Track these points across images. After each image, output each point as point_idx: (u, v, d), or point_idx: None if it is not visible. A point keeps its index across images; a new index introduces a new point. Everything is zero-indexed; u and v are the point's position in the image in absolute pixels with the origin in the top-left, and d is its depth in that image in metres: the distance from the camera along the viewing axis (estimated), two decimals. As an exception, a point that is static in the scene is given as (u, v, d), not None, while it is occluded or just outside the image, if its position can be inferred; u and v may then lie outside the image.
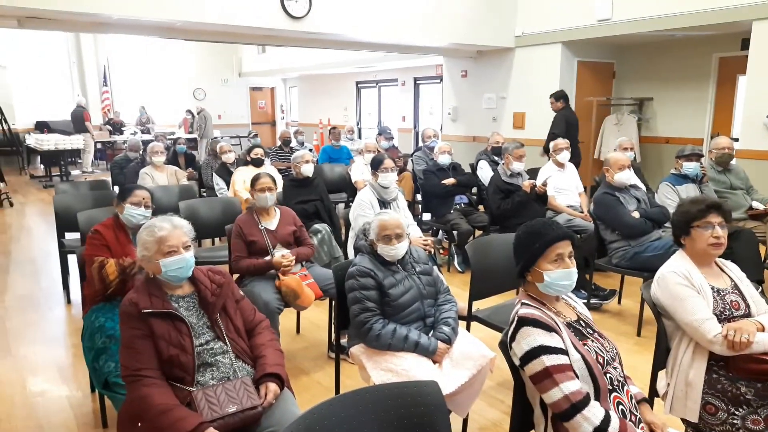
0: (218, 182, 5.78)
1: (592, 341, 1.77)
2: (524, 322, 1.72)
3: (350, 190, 6.22)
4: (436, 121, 11.26)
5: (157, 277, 1.99)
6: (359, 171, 5.90)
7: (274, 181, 3.42)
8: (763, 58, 5.37)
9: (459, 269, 5.09)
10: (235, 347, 2.02)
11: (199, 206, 4.37)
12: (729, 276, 2.22)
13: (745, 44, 5.89)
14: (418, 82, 12.46)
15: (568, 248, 1.80)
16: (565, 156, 4.87)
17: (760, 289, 2.56)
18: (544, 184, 4.38)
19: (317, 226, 4.11)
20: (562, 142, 4.91)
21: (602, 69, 7.80)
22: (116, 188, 5.57)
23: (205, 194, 6.40)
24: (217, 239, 5.32)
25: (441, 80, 9.67)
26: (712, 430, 2.02)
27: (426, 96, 12.45)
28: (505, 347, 1.82)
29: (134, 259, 2.53)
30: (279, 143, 7.74)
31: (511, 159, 4.61)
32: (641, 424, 1.71)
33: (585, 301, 4.09)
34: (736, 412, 1.96)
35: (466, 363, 2.39)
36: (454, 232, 4.96)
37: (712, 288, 2.13)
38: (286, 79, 16.79)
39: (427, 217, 5.42)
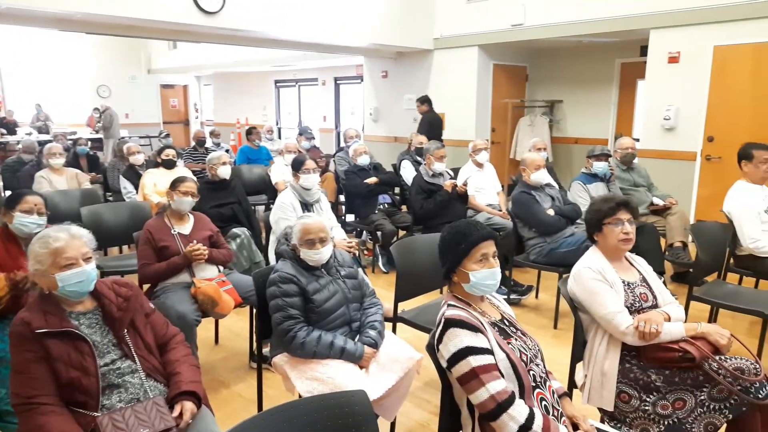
0: (125, 186, 5.40)
1: (516, 339, 1.79)
2: (451, 323, 1.71)
3: (270, 192, 6.05)
4: (357, 121, 11.24)
5: (54, 293, 1.79)
6: (280, 172, 5.75)
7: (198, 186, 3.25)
8: (660, 64, 5.78)
9: (384, 270, 5.08)
10: (145, 365, 1.87)
11: (104, 212, 4.06)
12: (637, 269, 2.34)
13: (644, 51, 6.31)
14: (338, 81, 12.39)
15: (492, 248, 1.81)
16: (483, 156, 4.99)
17: (662, 279, 2.73)
18: (465, 184, 4.45)
19: (236, 230, 3.94)
20: (480, 142, 5.03)
21: (516, 72, 8.10)
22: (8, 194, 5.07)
23: (111, 199, 5.98)
24: (125, 247, 4.97)
25: (362, 80, 9.66)
26: (626, 417, 2.11)
27: (347, 96, 12.41)
28: (432, 350, 1.80)
29: (26, 273, 2.28)
30: (193, 144, 7.40)
31: (433, 159, 4.65)
32: (563, 418, 1.75)
33: (505, 296, 4.21)
34: (648, 399, 2.06)
35: (394, 366, 2.36)
36: (378, 233, 4.94)
37: (623, 281, 2.24)
38: (200, 77, 16.13)
39: (350, 218, 5.36)
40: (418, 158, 5.62)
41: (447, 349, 1.70)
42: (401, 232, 5.07)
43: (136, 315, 1.92)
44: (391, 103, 8.73)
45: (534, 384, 1.71)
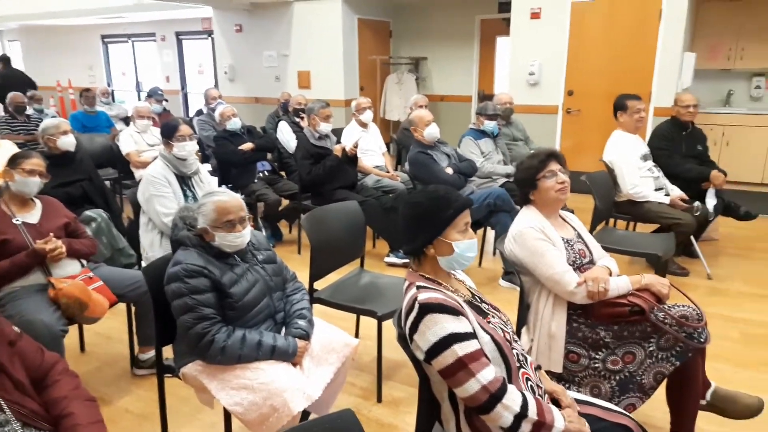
0: None
1: (493, 317, 1.60)
2: (428, 308, 1.46)
3: (120, 164, 5.20)
4: (208, 81, 10.24)
5: None
6: (130, 141, 4.94)
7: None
8: (523, 20, 5.93)
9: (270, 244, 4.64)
10: (19, 412, 1.35)
11: None
12: (572, 226, 2.28)
13: (502, 7, 6.45)
14: (181, 37, 11.11)
15: (470, 217, 1.58)
16: (368, 115, 4.73)
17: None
18: (356, 146, 4.17)
19: (89, 212, 3.28)
20: (364, 101, 4.75)
21: (380, 27, 7.87)
22: None
23: None
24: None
25: (210, 35, 8.72)
26: (575, 377, 2.06)
27: (192, 53, 11.20)
28: (403, 340, 1.54)
29: None
30: (8, 111, 6.09)
31: (318, 120, 4.27)
32: (546, 396, 1.62)
33: (407, 260, 4.07)
34: (597, 356, 2.02)
35: (329, 357, 2.07)
36: (260, 204, 4.48)
37: (563, 239, 2.16)
38: (2, 31, 13.49)
39: (224, 189, 4.79)
40: (297, 120, 5.18)
41: (425, 338, 1.45)
42: (285, 201, 4.66)
43: (-6, 348, 1.37)
44: (249, 60, 8.01)
45: (518, 364, 1.54)
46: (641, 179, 3.75)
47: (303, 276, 2.30)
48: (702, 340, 1.96)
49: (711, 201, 3.81)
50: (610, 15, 5.57)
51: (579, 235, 2.26)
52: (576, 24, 5.70)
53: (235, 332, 1.88)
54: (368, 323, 3.00)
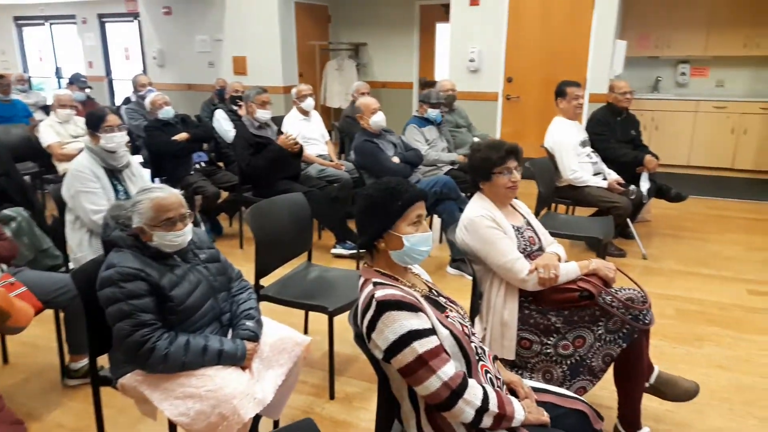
0: None
1: (451, 311, 1.57)
2: (385, 306, 1.40)
3: (41, 158, 4.82)
4: (136, 67, 9.69)
5: None
6: (51, 132, 4.59)
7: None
8: (463, 7, 5.94)
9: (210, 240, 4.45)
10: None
11: None
12: (521, 213, 2.29)
13: (441, -7, 6.44)
14: (104, 20, 10.44)
15: (424, 209, 1.52)
16: (309, 103, 4.60)
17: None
18: (295, 142, 4.02)
19: (7, 212, 3.00)
20: (305, 87, 4.61)
21: (318, 12, 7.69)
22: None
23: None
24: None
25: (136, 18, 8.25)
26: (527, 363, 2.08)
27: (117, 37, 10.56)
28: (360, 339, 1.48)
29: None
30: None
31: (254, 107, 4.10)
32: (505, 387, 1.61)
33: (354, 251, 4.01)
34: (548, 342, 2.04)
35: (280, 358, 1.98)
36: (198, 197, 4.28)
37: (513, 226, 2.17)
38: None
39: (158, 182, 4.55)
40: (235, 107, 4.97)
41: (384, 337, 1.40)
42: (224, 194, 4.48)
43: None
44: (180, 45, 7.63)
45: (477, 357, 1.52)
46: (580, 164, 3.85)
47: (247, 272, 2.19)
48: (647, 321, 2.01)
49: (645, 184, 3.96)
50: (545, 3, 5.67)
51: (528, 223, 2.28)
52: (514, 11, 5.77)
53: (177, 338, 1.75)
54: (317, 318, 2.92)
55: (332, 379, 2.49)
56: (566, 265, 2.09)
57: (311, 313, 2.87)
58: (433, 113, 4.18)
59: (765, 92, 6.22)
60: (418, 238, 1.51)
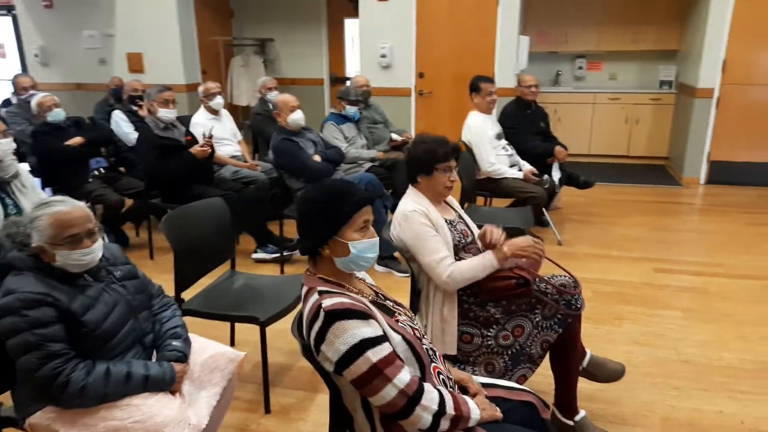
0: None
1: (401, 314, 1.51)
2: (335, 315, 1.32)
3: None
4: (13, 66, 8.74)
5: None
6: None
7: None
8: (371, 3, 5.89)
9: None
10: None
11: None
12: (453, 207, 2.29)
13: (348, -12, 6.36)
14: (-29, 13, 9.32)
15: (371, 214, 1.45)
16: (218, 102, 4.36)
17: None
18: (211, 137, 3.79)
19: None
20: (213, 85, 4.36)
21: (219, 6, 7.33)
22: None
23: None
24: None
25: (10, 12, 7.43)
26: (469, 357, 2.08)
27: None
28: (308, 353, 1.39)
29: None
30: None
31: (156, 106, 3.80)
32: (456, 386, 1.58)
33: (277, 254, 3.85)
34: (489, 334, 2.05)
35: (213, 377, 1.84)
36: (99, 206, 3.92)
37: (446, 221, 2.15)
38: None
39: (49, 192, 4.11)
40: (134, 108, 4.60)
41: (335, 348, 1.31)
42: (128, 201, 4.14)
43: None
44: (66, 41, 6.96)
45: (430, 359, 1.48)
46: (497, 157, 3.95)
47: (164, 285, 2.00)
48: (579, 306, 2.08)
49: (557, 174, 4.15)
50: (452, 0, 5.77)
51: (460, 216, 2.28)
52: (422, 7, 5.81)
53: (95, 367, 1.56)
54: (244, 329, 2.77)
55: (267, 392, 2.35)
56: (482, 258, 2.08)
57: (237, 324, 2.71)
58: (351, 110, 4.11)
59: (653, 84, 6.75)
60: (365, 244, 1.43)
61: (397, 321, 1.46)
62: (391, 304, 1.55)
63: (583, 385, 2.34)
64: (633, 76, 6.92)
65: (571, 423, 2.15)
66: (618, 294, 3.32)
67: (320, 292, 1.38)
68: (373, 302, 1.47)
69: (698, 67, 5.51)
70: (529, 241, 2.07)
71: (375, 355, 1.31)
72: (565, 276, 2.14)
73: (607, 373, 2.29)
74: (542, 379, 2.30)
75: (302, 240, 1.46)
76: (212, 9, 7.14)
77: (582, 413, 2.15)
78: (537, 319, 2.06)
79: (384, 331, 1.37)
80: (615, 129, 6.64)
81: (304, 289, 1.44)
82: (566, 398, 2.16)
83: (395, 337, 1.39)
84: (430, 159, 2.08)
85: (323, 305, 1.33)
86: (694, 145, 5.69)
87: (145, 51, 6.67)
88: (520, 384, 1.82)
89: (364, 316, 1.34)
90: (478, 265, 2.02)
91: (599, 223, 4.58)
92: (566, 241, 4.15)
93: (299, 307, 1.46)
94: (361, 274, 1.61)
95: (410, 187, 2.20)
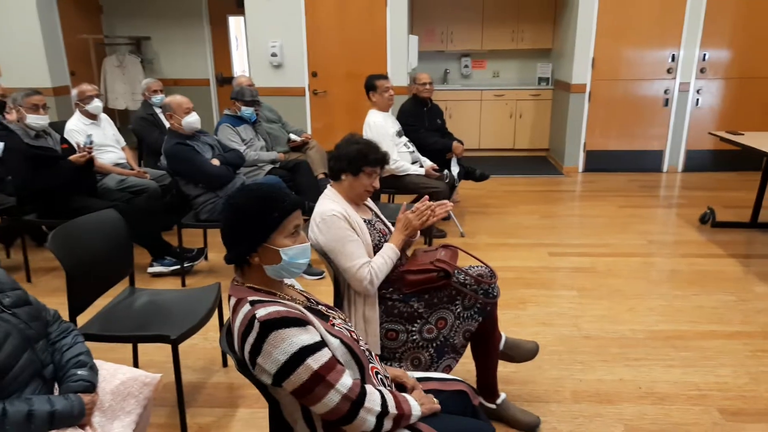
0: None
1: (335, 318, 1.47)
2: (271, 325, 1.26)
3: None
4: None
5: None
6: None
7: None
8: (258, 0, 5.72)
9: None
10: None
11: None
12: (369, 207, 2.28)
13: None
14: None
15: (301, 218, 1.39)
16: (96, 105, 3.99)
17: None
18: (91, 144, 3.46)
19: None
20: (89, 87, 3.98)
21: (85, 2, 6.72)
22: None
23: None
24: None
25: None
26: (395, 353, 2.09)
27: None
28: (243, 367, 1.30)
29: None
30: None
31: (24, 112, 3.39)
32: (392, 383, 1.57)
33: (176, 267, 3.61)
34: (413, 329, 2.07)
35: (126, 405, 1.69)
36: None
37: (365, 221, 2.14)
38: None
39: None
40: (-5, 114, 4.07)
41: (273, 359, 1.25)
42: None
43: None
44: None
45: (367, 360, 1.46)
46: (400, 154, 4.00)
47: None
48: (495, 294, 2.17)
49: (455, 168, 4.30)
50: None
51: (377, 215, 2.28)
52: (310, 5, 5.74)
53: (-12, 411, 1.35)
54: (149, 349, 2.58)
55: (183, 414, 2.19)
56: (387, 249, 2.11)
57: (141, 345, 2.51)
58: (247, 111, 3.95)
59: (532, 80, 7.23)
60: (297, 250, 1.38)
61: (333, 325, 1.42)
62: (324, 308, 1.50)
63: (498, 369, 2.45)
64: (514, 74, 7.38)
65: (493, 406, 2.24)
66: (520, 279, 3.52)
67: (252, 302, 1.31)
68: (307, 308, 1.41)
69: (571, 65, 6.00)
70: (420, 207, 2.13)
71: (315, 362, 1.26)
72: (481, 266, 2.22)
73: (523, 352, 2.40)
74: (461, 367, 2.36)
75: (229, 249, 1.37)
76: (78, 5, 6.53)
77: (503, 396, 2.25)
78: (458, 310, 2.11)
79: (322, 337, 1.33)
80: (501, 124, 7.04)
81: (233, 301, 1.35)
82: (488, 383, 2.24)
83: (333, 342, 1.36)
84: (360, 160, 2.06)
85: (257, 315, 1.26)
86: (572, 136, 6.19)
87: (4, 53, 5.95)
88: (446, 374, 1.86)
89: (301, 323, 1.29)
90: (387, 259, 2.05)
91: (495, 214, 4.83)
92: (468, 233, 4.32)
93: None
94: (290, 281, 1.55)
95: (328, 187, 2.16)
